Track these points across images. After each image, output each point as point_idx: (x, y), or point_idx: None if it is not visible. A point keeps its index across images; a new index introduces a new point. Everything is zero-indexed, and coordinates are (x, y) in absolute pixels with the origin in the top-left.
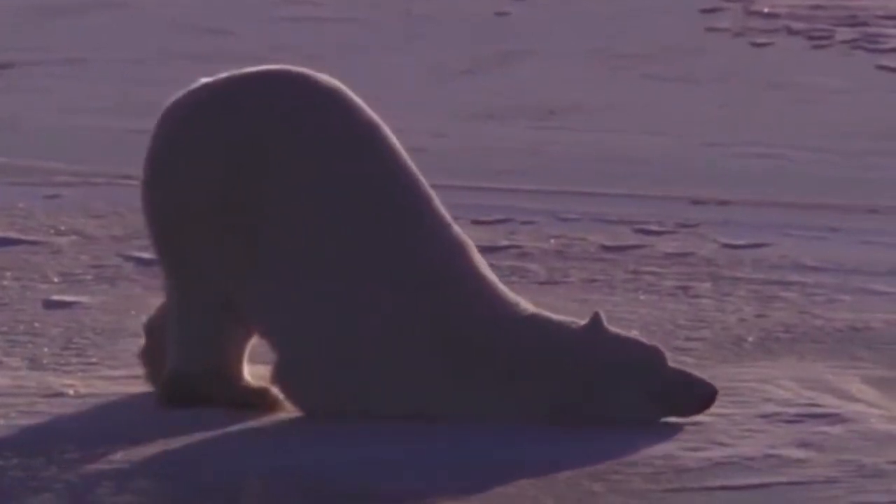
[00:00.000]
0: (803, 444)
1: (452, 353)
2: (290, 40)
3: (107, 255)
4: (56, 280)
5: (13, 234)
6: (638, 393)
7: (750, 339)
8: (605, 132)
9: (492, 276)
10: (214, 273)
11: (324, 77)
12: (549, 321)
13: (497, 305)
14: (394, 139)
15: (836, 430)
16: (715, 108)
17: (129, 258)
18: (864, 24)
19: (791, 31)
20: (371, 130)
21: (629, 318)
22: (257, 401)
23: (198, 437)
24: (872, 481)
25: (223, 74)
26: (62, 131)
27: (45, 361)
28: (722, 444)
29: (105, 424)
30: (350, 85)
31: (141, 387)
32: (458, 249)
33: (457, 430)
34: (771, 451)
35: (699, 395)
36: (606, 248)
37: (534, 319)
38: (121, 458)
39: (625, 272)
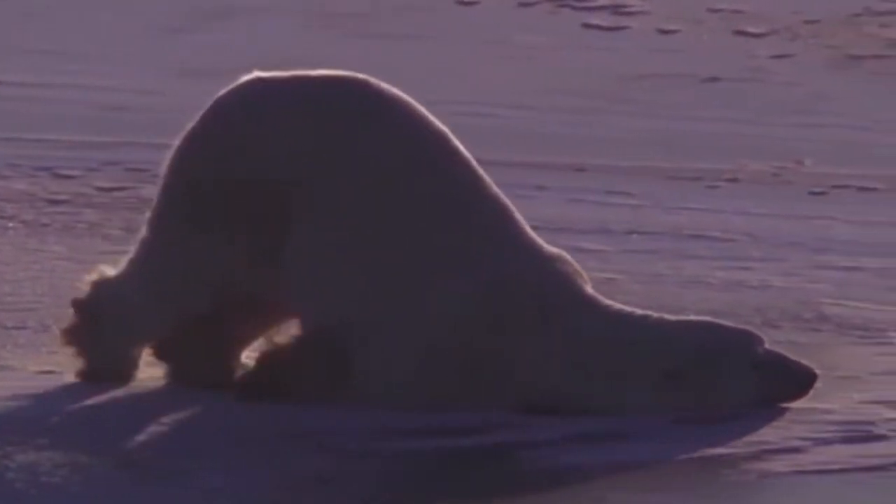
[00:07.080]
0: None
1: (557, 343)
2: None
3: None
4: None
5: None
6: (735, 376)
7: None
8: None
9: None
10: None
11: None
12: (640, 314)
13: (580, 293)
14: (462, 149)
15: None
16: (422, 67)
17: None
18: None
19: None
20: (440, 140)
21: None
22: None
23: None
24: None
25: (282, 73)
26: None
27: None
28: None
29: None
30: (61, 42)
31: None
32: (530, 251)
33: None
34: (486, 413)
35: (797, 378)
36: None
37: (625, 312)
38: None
39: None
